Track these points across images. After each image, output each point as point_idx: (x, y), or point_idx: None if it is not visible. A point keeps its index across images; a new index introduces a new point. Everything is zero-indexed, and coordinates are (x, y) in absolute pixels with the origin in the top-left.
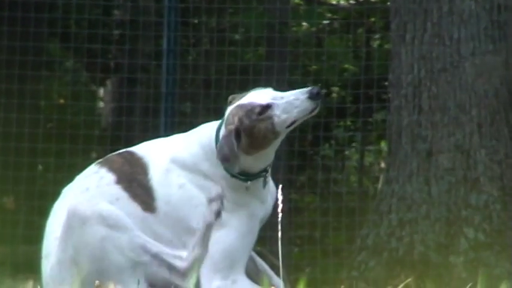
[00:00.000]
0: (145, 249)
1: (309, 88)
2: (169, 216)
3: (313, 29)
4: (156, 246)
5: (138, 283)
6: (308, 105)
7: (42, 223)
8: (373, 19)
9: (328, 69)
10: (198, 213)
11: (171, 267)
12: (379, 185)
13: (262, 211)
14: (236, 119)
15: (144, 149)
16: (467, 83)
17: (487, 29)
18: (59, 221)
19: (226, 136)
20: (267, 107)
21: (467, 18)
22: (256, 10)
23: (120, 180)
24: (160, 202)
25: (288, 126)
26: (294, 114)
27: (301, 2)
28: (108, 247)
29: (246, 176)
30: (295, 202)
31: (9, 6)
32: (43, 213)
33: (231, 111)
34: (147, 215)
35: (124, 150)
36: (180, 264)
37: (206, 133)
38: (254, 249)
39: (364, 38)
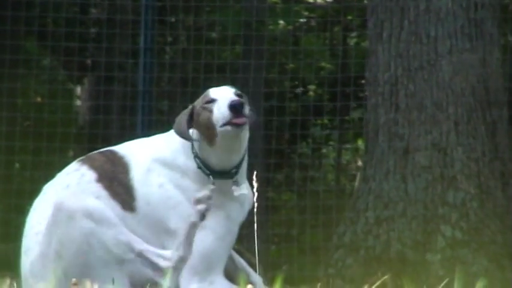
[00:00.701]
0: (130, 247)
1: (233, 99)
2: (148, 216)
3: (290, 27)
4: (141, 244)
5: (113, 282)
6: (225, 113)
7: (19, 221)
8: (350, 17)
9: (305, 67)
10: (176, 214)
11: (154, 266)
12: (356, 183)
13: (241, 214)
14: (197, 102)
15: (126, 148)
16: (444, 81)
17: (463, 27)
18: (40, 216)
19: (183, 112)
20: (213, 100)
21: (444, 16)
22: (233, 8)
23: (101, 179)
24: (140, 202)
25: (222, 127)
26: (216, 115)
27: (278, 0)
28: (93, 242)
29: (210, 170)
30: (272, 200)
31: None
32: (20, 211)
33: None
34: (126, 214)
35: (106, 149)
36: (164, 263)
37: None
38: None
39: (341, 36)
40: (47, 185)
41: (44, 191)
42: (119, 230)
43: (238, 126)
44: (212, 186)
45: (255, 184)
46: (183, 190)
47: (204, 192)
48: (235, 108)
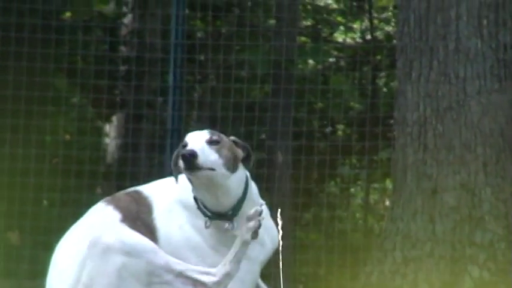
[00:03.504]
0: (168, 269)
1: (188, 149)
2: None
3: (319, 66)
4: (180, 265)
5: None
6: (179, 162)
7: (47, 258)
8: (379, 57)
9: (333, 107)
10: (196, 254)
11: (197, 283)
12: (384, 223)
13: (261, 255)
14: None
15: (151, 189)
16: (473, 121)
17: (493, 67)
18: (64, 255)
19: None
20: (185, 145)
21: (473, 56)
22: (263, 47)
23: (125, 219)
24: (162, 242)
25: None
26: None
27: (308, 40)
28: (124, 275)
29: (208, 211)
30: (299, 239)
31: (16, 42)
32: (48, 248)
33: None
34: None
35: (132, 189)
36: (208, 279)
37: None
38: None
39: (370, 75)
40: (74, 225)
41: (69, 230)
42: (155, 254)
43: (191, 170)
44: (263, 205)
45: (279, 222)
46: (199, 230)
47: (254, 209)
48: (184, 157)
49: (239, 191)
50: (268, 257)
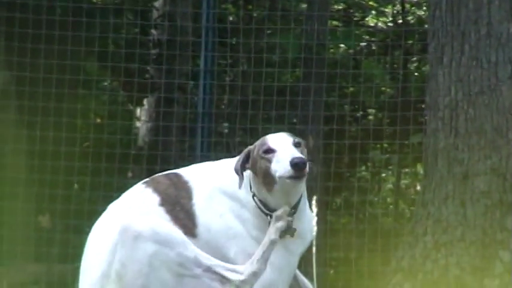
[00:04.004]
0: (197, 263)
1: (296, 156)
2: (209, 243)
3: (351, 50)
4: (209, 260)
5: None
6: (286, 168)
7: (78, 241)
8: (410, 41)
9: (365, 91)
10: (236, 244)
11: (224, 280)
12: (415, 208)
13: (301, 247)
14: (253, 146)
15: (191, 173)
16: (504, 106)
17: None
18: (101, 236)
19: (241, 154)
20: (272, 151)
21: (505, 41)
22: (294, 31)
23: (163, 202)
24: (201, 229)
25: (280, 178)
26: (280, 169)
27: (339, 24)
28: (155, 263)
29: (268, 209)
30: (331, 223)
31: (47, 25)
32: (78, 231)
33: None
34: (188, 239)
35: (172, 171)
36: (235, 276)
37: None
38: None
39: (401, 60)
40: (111, 204)
41: (107, 210)
42: (185, 246)
43: (299, 179)
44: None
45: (314, 209)
46: (243, 221)
47: (283, 209)
48: (297, 166)
49: (304, 188)
50: (305, 249)
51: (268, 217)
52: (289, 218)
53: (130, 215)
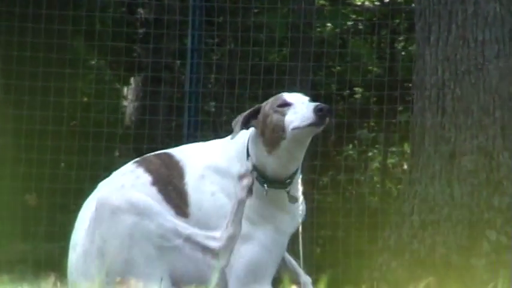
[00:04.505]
0: (177, 233)
1: (318, 103)
2: (200, 222)
3: (338, 29)
4: (188, 229)
5: (161, 280)
6: (310, 116)
7: (64, 220)
8: (397, 20)
9: (352, 70)
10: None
11: (204, 248)
12: (402, 186)
13: (291, 226)
14: (265, 103)
15: (183, 153)
16: (491, 85)
17: (511, 31)
18: (90, 213)
19: (249, 109)
20: (288, 104)
21: (492, 20)
22: (281, 10)
23: (155, 182)
24: (193, 208)
25: (294, 129)
26: (298, 118)
27: (326, 3)
28: (136, 235)
29: (264, 179)
30: (317, 202)
31: (34, 4)
32: (65, 210)
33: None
34: (179, 219)
35: (163, 151)
36: (214, 244)
37: (242, 138)
38: None
39: (388, 39)
40: (101, 182)
41: (98, 188)
42: (163, 217)
43: (319, 126)
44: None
45: (299, 187)
46: (232, 199)
47: (246, 166)
48: (322, 111)
49: (301, 158)
50: (295, 229)
51: (265, 186)
52: (254, 174)
53: (106, 191)
